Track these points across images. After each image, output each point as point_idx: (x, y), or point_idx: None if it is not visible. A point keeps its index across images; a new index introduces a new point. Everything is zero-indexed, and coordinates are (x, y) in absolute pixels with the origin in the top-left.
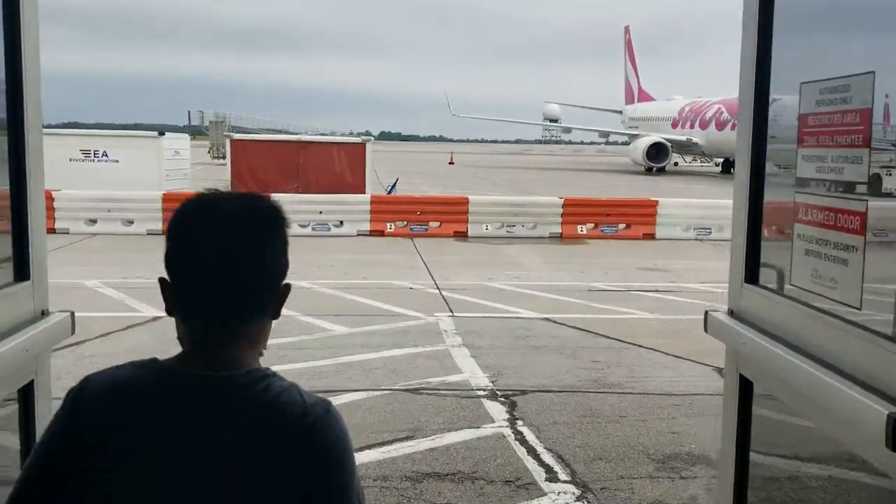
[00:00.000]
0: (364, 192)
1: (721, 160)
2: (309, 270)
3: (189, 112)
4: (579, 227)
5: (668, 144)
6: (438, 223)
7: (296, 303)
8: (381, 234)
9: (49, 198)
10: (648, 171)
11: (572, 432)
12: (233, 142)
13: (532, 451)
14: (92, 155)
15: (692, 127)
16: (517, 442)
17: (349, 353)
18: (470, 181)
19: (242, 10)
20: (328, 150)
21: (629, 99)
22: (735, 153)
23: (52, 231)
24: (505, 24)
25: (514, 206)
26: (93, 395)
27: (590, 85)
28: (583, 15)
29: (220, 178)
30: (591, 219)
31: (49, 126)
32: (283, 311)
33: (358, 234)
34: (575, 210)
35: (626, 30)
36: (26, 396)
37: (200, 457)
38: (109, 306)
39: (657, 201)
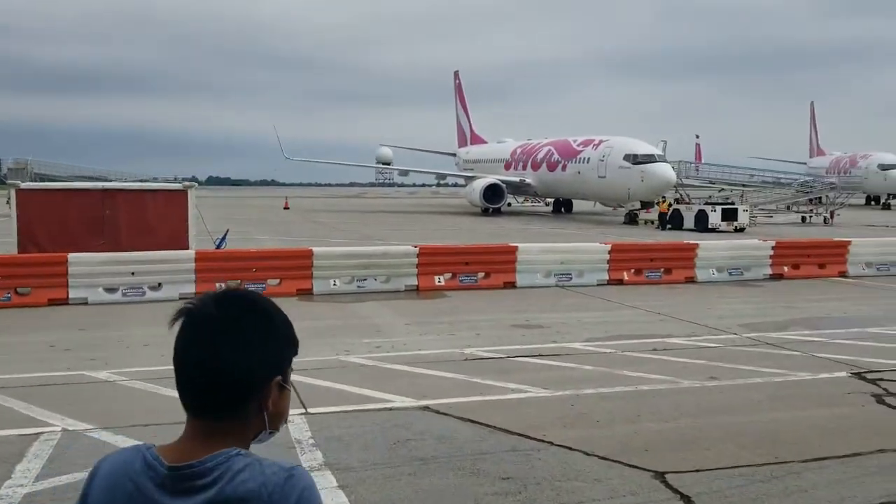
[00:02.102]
0: (187, 247)
1: (552, 200)
2: (115, 354)
3: None
4: (437, 277)
5: (504, 186)
6: (278, 280)
7: (94, 406)
8: None
9: None
10: (485, 211)
11: None
12: (19, 192)
13: None
14: None
15: (525, 168)
16: None
17: None
18: (309, 228)
19: (60, 50)
20: (141, 199)
21: (462, 142)
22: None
23: None
24: (334, 68)
25: (364, 257)
26: (99, 479)
27: (423, 128)
28: (413, 61)
29: (5, 234)
30: (448, 268)
31: None
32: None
33: (180, 298)
34: (431, 259)
35: (456, 74)
36: None
37: None
38: None
39: (517, 247)
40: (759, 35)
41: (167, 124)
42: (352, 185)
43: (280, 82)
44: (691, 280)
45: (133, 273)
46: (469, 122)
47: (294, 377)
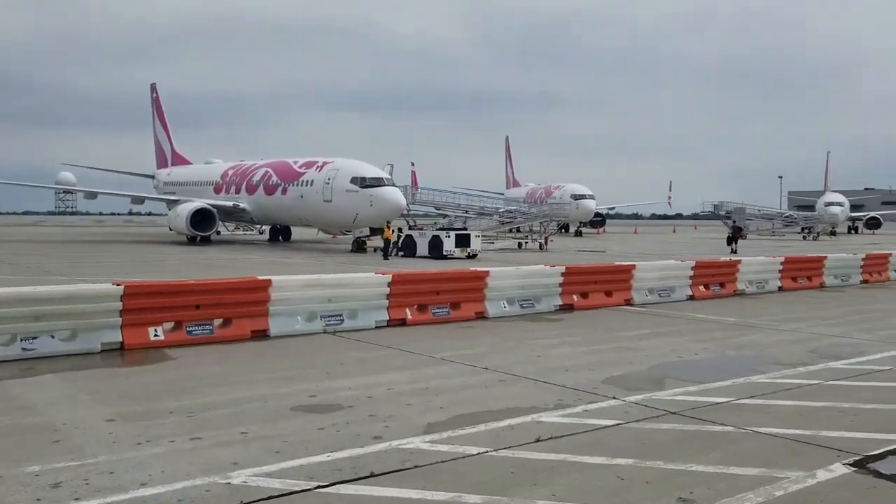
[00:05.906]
0: None
1: (268, 228)
2: None
3: None
4: (152, 329)
5: (215, 211)
6: None
7: None
8: None
9: None
10: (192, 240)
11: None
12: None
13: None
14: None
15: (238, 192)
16: None
17: None
18: None
19: None
20: None
21: (162, 163)
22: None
23: None
24: (5, 86)
25: (35, 302)
26: None
27: (117, 153)
28: (105, 83)
29: None
30: (170, 315)
31: None
32: None
33: None
34: (143, 302)
35: (153, 87)
36: None
37: None
38: None
39: (270, 281)
40: (460, 80)
41: None
42: (27, 213)
43: None
44: (482, 315)
45: None
46: (170, 140)
47: None
